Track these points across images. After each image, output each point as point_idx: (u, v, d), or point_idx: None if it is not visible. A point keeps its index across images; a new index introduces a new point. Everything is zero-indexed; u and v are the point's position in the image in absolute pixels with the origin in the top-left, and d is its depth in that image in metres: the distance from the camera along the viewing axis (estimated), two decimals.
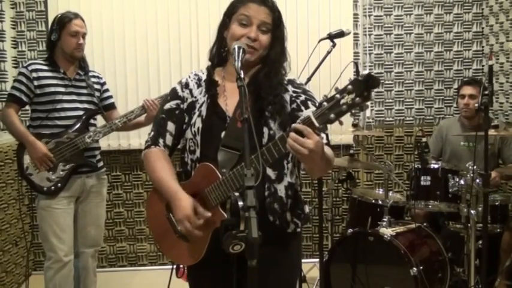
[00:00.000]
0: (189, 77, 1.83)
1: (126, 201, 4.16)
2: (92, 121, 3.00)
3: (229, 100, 1.72)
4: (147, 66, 3.99)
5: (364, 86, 1.29)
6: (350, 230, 3.14)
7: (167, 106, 1.79)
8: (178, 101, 1.78)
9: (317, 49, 3.02)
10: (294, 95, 1.73)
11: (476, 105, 3.04)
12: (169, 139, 1.77)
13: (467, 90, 3.54)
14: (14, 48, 3.94)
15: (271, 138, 1.59)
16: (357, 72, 2.95)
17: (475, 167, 2.90)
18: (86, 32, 2.93)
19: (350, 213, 3.62)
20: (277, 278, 1.72)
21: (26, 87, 2.82)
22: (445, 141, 3.70)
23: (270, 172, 1.66)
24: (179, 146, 1.82)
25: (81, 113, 2.91)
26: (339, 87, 1.35)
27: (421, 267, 2.87)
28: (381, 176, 4.12)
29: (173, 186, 1.67)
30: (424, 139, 3.21)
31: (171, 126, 1.77)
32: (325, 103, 1.36)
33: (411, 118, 4.22)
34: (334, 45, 2.95)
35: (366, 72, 1.29)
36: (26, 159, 2.82)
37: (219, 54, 1.79)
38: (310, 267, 4.00)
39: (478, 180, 2.88)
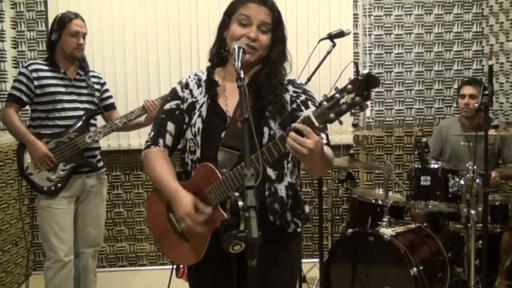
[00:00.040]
0: (189, 77, 1.83)
1: (126, 201, 4.16)
2: (92, 121, 3.00)
3: (230, 100, 1.72)
4: (147, 66, 3.99)
5: (364, 86, 1.29)
6: (350, 230, 3.14)
7: (167, 106, 1.79)
8: (178, 101, 1.78)
9: (317, 49, 3.02)
10: (294, 95, 1.73)
11: (476, 105, 3.05)
12: (169, 139, 1.77)
13: (468, 90, 3.55)
14: (14, 48, 3.94)
15: (272, 138, 1.58)
16: (356, 72, 2.95)
17: (475, 167, 2.90)
18: (86, 32, 2.93)
19: (350, 213, 3.62)
20: (277, 278, 1.72)
21: (26, 87, 2.82)
22: (445, 141, 3.70)
23: (270, 172, 1.66)
24: (179, 146, 1.82)
25: (81, 113, 2.91)
26: (339, 87, 1.35)
27: (421, 267, 2.87)
28: (381, 176, 4.12)
29: (173, 185, 1.67)
30: (424, 139, 3.21)
31: (170, 126, 1.77)
32: (324, 103, 1.36)
33: (411, 118, 4.22)
34: (334, 45, 2.95)
35: (366, 71, 1.30)
36: (26, 158, 2.82)
37: (219, 55, 1.79)
38: (310, 267, 4.00)
39: (478, 180, 2.88)
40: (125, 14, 3.94)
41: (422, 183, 3.21)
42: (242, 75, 1.48)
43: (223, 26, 1.73)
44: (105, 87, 3.12)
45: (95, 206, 3.03)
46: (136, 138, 3.95)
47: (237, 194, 1.33)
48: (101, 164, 3.08)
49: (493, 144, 3.47)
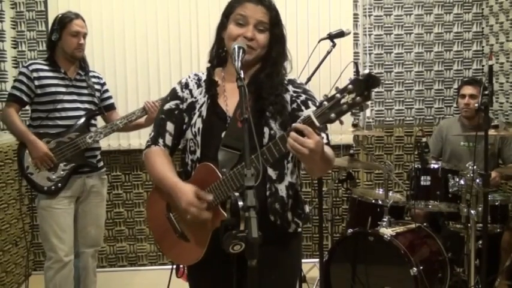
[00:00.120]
0: (189, 77, 1.83)
1: (126, 201, 4.16)
2: (92, 121, 3.00)
3: (230, 100, 1.72)
4: (147, 66, 3.99)
5: (364, 86, 1.29)
6: (350, 230, 3.14)
7: (167, 106, 1.79)
8: (177, 101, 1.78)
9: (317, 49, 3.02)
10: (295, 94, 1.73)
11: (477, 105, 3.04)
12: (168, 139, 1.78)
13: (468, 90, 3.55)
14: (14, 48, 3.94)
15: (272, 138, 1.58)
16: (356, 72, 2.96)
17: (475, 167, 2.89)
18: (86, 32, 2.93)
19: (350, 213, 3.62)
20: (277, 278, 1.72)
21: (26, 87, 2.82)
22: (445, 141, 3.71)
23: (271, 172, 1.66)
24: (180, 147, 1.82)
25: (82, 113, 2.91)
26: (339, 87, 1.35)
27: (421, 267, 2.87)
28: (381, 176, 4.12)
29: (173, 178, 1.67)
30: (424, 139, 3.21)
31: (170, 126, 1.77)
32: (325, 102, 1.36)
33: (411, 118, 4.22)
34: (334, 45, 2.96)
35: (367, 71, 1.30)
36: (27, 158, 2.82)
37: (219, 55, 1.79)
38: (310, 267, 4.00)
39: (478, 180, 2.88)
40: (125, 14, 3.94)
41: (422, 183, 3.21)
42: (242, 75, 1.48)
43: (222, 26, 1.73)
44: (105, 88, 3.12)
45: (95, 206, 3.03)
46: (137, 138, 3.95)
47: (237, 194, 1.33)
48: (101, 164, 3.08)
49: (493, 144, 3.47)
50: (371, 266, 2.97)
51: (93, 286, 3.11)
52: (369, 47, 4.14)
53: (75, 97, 2.91)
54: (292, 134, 1.38)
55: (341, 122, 1.37)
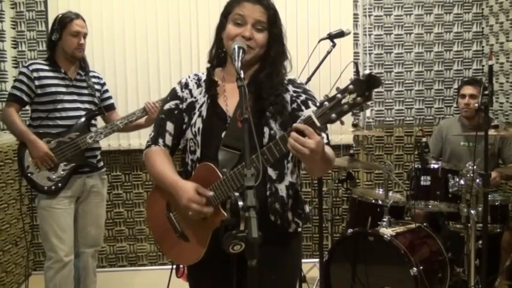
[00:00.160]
0: (189, 77, 1.83)
1: (126, 201, 4.16)
2: (92, 121, 3.00)
3: (230, 100, 1.72)
4: (147, 66, 3.99)
5: (365, 86, 1.29)
6: (350, 230, 3.14)
7: (166, 106, 1.79)
8: (177, 101, 1.78)
9: (317, 49, 3.02)
10: (295, 94, 1.73)
11: (477, 105, 3.04)
12: (168, 139, 1.78)
13: (468, 90, 3.55)
14: (14, 48, 3.94)
15: (272, 138, 1.58)
16: (356, 72, 2.96)
17: (475, 167, 2.90)
18: (86, 32, 2.93)
19: (350, 213, 3.62)
20: (277, 278, 1.72)
21: (27, 87, 2.82)
22: (445, 141, 3.71)
23: (271, 172, 1.66)
24: (180, 147, 1.82)
25: (82, 113, 2.91)
26: (339, 87, 1.35)
27: (421, 267, 2.87)
28: (381, 176, 4.12)
29: (173, 176, 1.67)
30: (424, 139, 3.21)
31: (170, 126, 1.77)
32: (326, 103, 1.36)
33: (411, 118, 4.22)
34: (334, 45, 2.96)
35: (368, 72, 1.30)
36: (27, 158, 2.82)
37: (218, 56, 1.78)
38: (310, 267, 4.00)
39: (478, 180, 2.88)
40: (125, 14, 3.94)
41: (422, 183, 3.21)
42: (242, 75, 1.48)
43: (221, 27, 1.73)
44: (105, 88, 3.12)
45: (95, 206, 3.03)
46: (137, 139, 3.95)
47: (237, 194, 1.33)
48: (101, 164, 3.08)
49: (493, 144, 3.47)
50: (371, 266, 2.97)
51: (93, 286, 3.11)
52: (369, 47, 4.14)
53: (75, 97, 2.91)
54: (293, 134, 1.38)
55: (342, 123, 1.37)
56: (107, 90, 3.13)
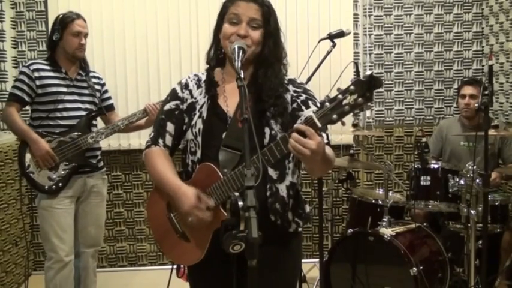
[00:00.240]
0: (189, 77, 1.83)
1: (126, 201, 4.16)
2: (93, 122, 3.00)
3: (230, 100, 1.72)
4: (147, 66, 3.99)
5: (366, 87, 1.29)
6: (350, 230, 3.14)
7: (167, 107, 1.79)
8: (177, 102, 1.78)
9: (317, 49, 3.02)
10: (295, 94, 1.73)
11: (477, 105, 3.04)
12: (169, 139, 1.78)
13: (468, 90, 3.55)
14: (14, 48, 3.94)
15: (273, 139, 1.58)
16: (356, 72, 2.96)
17: (475, 167, 2.90)
18: (87, 33, 2.94)
19: (350, 213, 3.62)
20: (277, 278, 1.73)
21: (27, 86, 2.82)
22: (445, 141, 3.71)
23: (271, 172, 1.66)
24: (180, 147, 1.82)
25: (83, 113, 2.91)
26: (339, 87, 1.35)
27: (421, 267, 2.87)
28: (381, 176, 4.12)
29: (175, 181, 1.67)
30: (424, 139, 3.21)
31: (170, 126, 1.77)
32: (327, 103, 1.36)
33: (411, 118, 4.22)
34: (334, 45, 2.95)
35: (368, 72, 1.30)
36: (28, 157, 2.82)
37: (217, 56, 1.78)
38: (310, 267, 4.00)
39: (478, 180, 2.88)
40: (125, 14, 3.94)
41: (422, 183, 3.21)
42: (242, 75, 1.48)
43: (218, 27, 1.73)
44: (105, 88, 3.12)
45: (95, 206, 3.03)
46: (137, 139, 3.95)
47: (237, 194, 1.33)
48: (101, 164, 3.09)
49: (493, 144, 3.47)
50: (371, 266, 2.97)
51: (93, 286, 3.11)
52: (369, 47, 4.14)
53: (76, 97, 2.91)
54: (294, 135, 1.38)
55: (343, 123, 1.38)
56: (106, 91, 3.13)
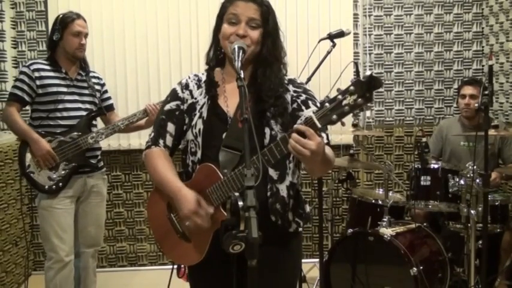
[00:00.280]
0: (189, 77, 1.83)
1: (126, 201, 4.16)
2: (93, 122, 3.00)
3: (230, 101, 1.72)
4: (147, 66, 3.99)
5: (366, 87, 1.29)
6: (350, 230, 3.14)
7: (167, 107, 1.79)
8: (178, 102, 1.78)
9: (317, 49, 3.02)
10: (295, 94, 1.73)
11: (477, 105, 3.04)
12: (169, 140, 1.77)
13: (468, 90, 3.55)
14: (14, 48, 3.94)
15: (273, 139, 1.58)
16: (356, 72, 2.96)
17: (475, 167, 2.90)
18: (87, 33, 2.94)
19: (350, 213, 3.62)
20: (278, 278, 1.73)
21: (28, 86, 2.82)
22: (445, 141, 3.71)
23: (272, 172, 1.66)
24: (180, 147, 1.82)
25: (83, 113, 2.91)
26: (339, 87, 1.35)
27: (421, 267, 2.87)
28: (381, 176, 4.12)
29: (176, 184, 1.67)
30: (424, 139, 3.21)
31: (171, 127, 1.77)
32: (327, 104, 1.36)
33: (411, 118, 4.22)
34: (334, 45, 2.96)
35: (368, 73, 1.30)
36: (28, 157, 2.82)
37: (216, 57, 1.78)
38: (310, 267, 4.00)
39: (478, 180, 2.88)
40: (125, 14, 3.94)
41: (422, 183, 3.21)
42: (242, 75, 1.48)
43: (217, 28, 1.73)
44: (104, 88, 3.12)
45: (95, 206, 3.03)
46: (136, 139, 3.95)
47: (237, 194, 1.33)
48: (101, 163, 3.09)
49: (493, 144, 3.47)
50: (371, 266, 2.98)
51: (93, 286, 3.11)
52: (369, 47, 4.14)
53: (76, 97, 2.91)
54: (294, 135, 1.38)
55: (343, 124, 1.38)
56: (106, 91, 3.14)
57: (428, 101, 4.20)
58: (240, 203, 1.28)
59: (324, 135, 1.62)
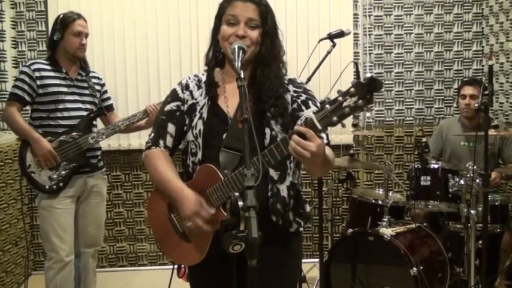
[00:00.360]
0: (189, 78, 1.83)
1: (126, 201, 4.16)
2: (93, 122, 3.00)
3: (230, 101, 1.72)
4: (147, 66, 3.99)
5: (366, 89, 1.29)
6: (350, 230, 3.14)
7: (167, 108, 1.79)
8: (178, 103, 1.78)
9: (317, 49, 3.03)
10: (295, 94, 1.73)
11: (477, 105, 3.05)
12: (169, 140, 1.77)
13: (468, 90, 3.55)
14: (14, 48, 3.94)
15: (274, 139, 1.59)
16: (356, 72, 2.96)
17: (475, 167, 2.90)
18: (88, 33, 2.94)
19: (350, 213, 3.62)
20: (278, 278, 1.73)
21: (28, 86, 2.82)
22: (445, 141, 3.71)
23: (272, 173, 1.66)
24: (180, 147, 1.81)
25: (83, 113, 2.91)
26: (339, 87, 1.35)
27: (421, 267, 2.87)
28: (381, 176, 4.12)
29: (178, 184, 1.66)
30: (424, 139, 3.21)
31: (171, 127, 1.77)
32: (327, 105, 1.36)
33: (411, 118, 4.22)
34: (334, 45, 2.96)
35: (369, 75, 1.30)
36: (29, 157, 2.82)
37: (216, 58, 1.78)
38: (310, 267, 4.01)
39: (478, 180, 2.88)
40: (125, 14, 3.94)
41: (422, 183, 3.21)
42: (242, 76, 1.48)
43: (216, 29, 1.73)
44: (104, 88, 3.13)
45: (95, 206, 3.03)
46: (136, 139, 3.95)
47: (237, 194, 1.33)
48: (101, 163, 3.09)
49: (493, 144, 3.47)
50: (371, 266, 2.98)
51: (93, 286, 3.12)
52: (369, 47, 4.14)
53: (76, 97, 2.91)
54: (295, 137, 1.38)
55: (343, 125, 1.38)
56: (106, 91, 3.14)
57: (428, 101, 4.20)
58: (240, 203, 1.28)
59: (324, 135, 1.61)
